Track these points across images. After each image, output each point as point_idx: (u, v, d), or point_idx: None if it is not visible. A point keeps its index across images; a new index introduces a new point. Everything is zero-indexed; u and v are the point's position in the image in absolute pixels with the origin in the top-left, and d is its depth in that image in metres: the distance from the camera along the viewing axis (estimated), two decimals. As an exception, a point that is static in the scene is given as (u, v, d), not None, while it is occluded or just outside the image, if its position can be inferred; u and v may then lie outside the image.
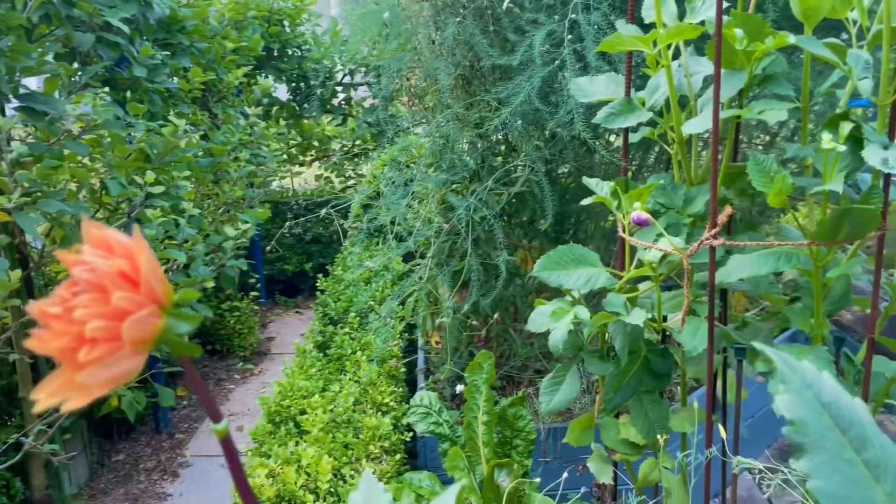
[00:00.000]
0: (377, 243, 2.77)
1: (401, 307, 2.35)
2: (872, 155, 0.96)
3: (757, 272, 1.07)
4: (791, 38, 1.00)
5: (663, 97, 1.22)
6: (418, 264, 2.10)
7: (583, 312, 1.19)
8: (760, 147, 2.24)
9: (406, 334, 2.30)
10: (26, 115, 1.73)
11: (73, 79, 2.01)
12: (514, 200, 1.66)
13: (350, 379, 1.91)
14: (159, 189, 2.06)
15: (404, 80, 1.76)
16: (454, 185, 1.73)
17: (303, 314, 3.78)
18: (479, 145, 1.56)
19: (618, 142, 1.66)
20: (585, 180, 1.25)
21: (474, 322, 2.09)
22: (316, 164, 3.81)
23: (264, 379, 3.07)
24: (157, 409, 2.60)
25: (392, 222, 1.94)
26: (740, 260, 1.10)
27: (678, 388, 2.08)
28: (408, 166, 2.56)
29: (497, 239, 1.68)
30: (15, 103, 1.77)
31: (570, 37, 1.31)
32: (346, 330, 2.23)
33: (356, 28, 2.21)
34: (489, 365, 1.41)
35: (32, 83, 2.37)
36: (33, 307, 0.32)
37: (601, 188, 1.24)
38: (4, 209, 1.63)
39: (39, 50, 1.81)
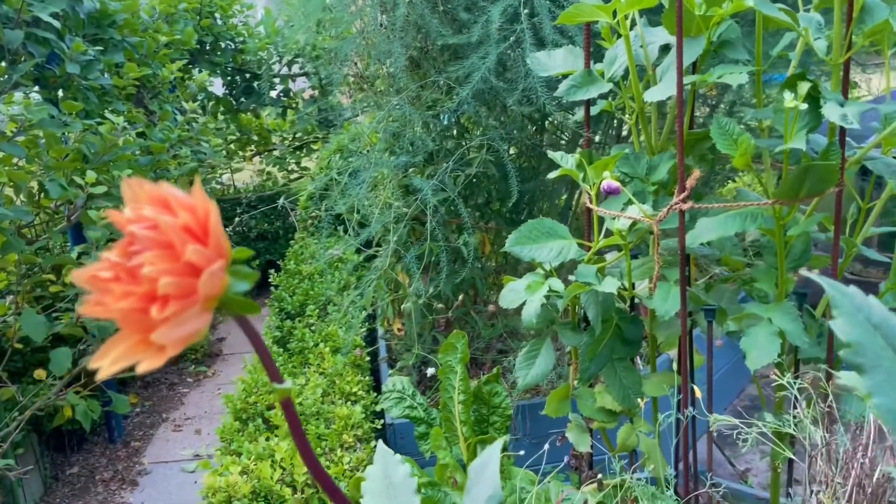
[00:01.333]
0: (331, 234, 2.73)
1: (360, 297, 2.33)
2: (832, 111, 1.00)
3: (725, 233, 1.09)
4: (748, 2, 1.02)
5: (622, 67, 1.24)
6: (377, 252, 2.09)
7: (557, 284, 1.20)
8: (701, 119, 2.30)
9: (366, 323, 2.28)
10: (-45, 117, 1.64)
11: (1, 78, 1.92)
12: (470, 182, 1.66)
13: (315, 371, 1.89)
14: (101, 189, 1.98)
15: (353, 65, 1.74)
16: (411, 169, 1.72)
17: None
18: (433, 127, 1.55)
19: (575, 117, 1.67)
20: (551, 154, 1.26)
21: (438, 306, 2.09)
22: (256, 159, 3.73)
23: (218, 381, 3.01)
24: (110, 417, 2.51)
25: (350, 211, 1.92)
26: (708, 223, 1.12)
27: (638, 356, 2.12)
28: (361, 154, 2.53)
29: (460, 221, 1.68)
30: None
31: (526, 11, 1.32)
32: (306, 323, 2.20)
33: (297, 15, 2.17)
34: (462, 344, 1.41)
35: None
36: (81, 273, 0.30)
37: (566, 161, 1.25)
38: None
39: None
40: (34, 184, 1.98)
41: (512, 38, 1.39)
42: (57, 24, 1.95)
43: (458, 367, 1.41)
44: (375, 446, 1.66)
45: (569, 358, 1.41)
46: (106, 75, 2.34)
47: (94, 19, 2.24)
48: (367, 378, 1.93)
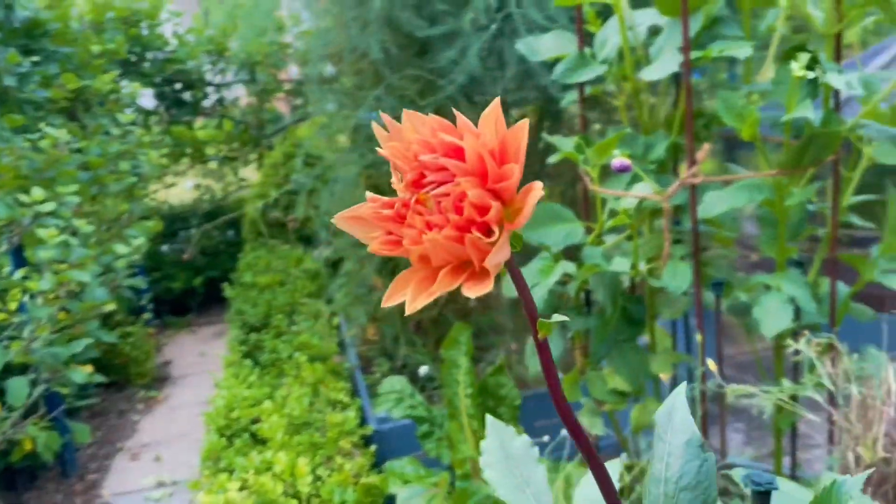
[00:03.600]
0: (298, 240, 2.66)
1: (328, 304, 2.28)
2: (835, 79, 1.03)
3: (736, 204, 1.11)
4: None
5: (614, 49, 1.25)
6: (344, 256, 2.04)
7: (570, 267, 1.19)
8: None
9: (336, 330, 2.23)
10: None
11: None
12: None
13: (295, 381, 1.82)
14: (50, 207, 1.87)
15: (334, 60, 1.69)
16: (385, 167, 1.68)
17: (196, 332, 3.56)
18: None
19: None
20: (549, 137, 1.25)
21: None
22: (191, 172, 3.60)
23: (171, 404, 2.87)
24: (63, 450, 2.36)
25: (319, 215, 1.87)
26: (717, 196, 1.14)
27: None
28: (317, 158, 2.47)
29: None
30: None
31: (515, -3, 1.31)
32: (275, 333, 2.12)
33: (247, 20, 2.10)
34: (466, 337, 1.38)
35: None
36: (346, 214, 0.28)
37: (564, 144, 1.25)
38: None
39: None
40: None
41: (494, 27, 1.38)
42: (-10, 33, 1.83)
43: (462, 360, 1.39)
44: (374, 451, 1.62)
45: (572, 343, 1.41)
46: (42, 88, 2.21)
47: (26, 29, 2.11)
48: (349, 384, 1.88)
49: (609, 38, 1.25)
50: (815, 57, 1.07)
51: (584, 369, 1.34)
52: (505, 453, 0.58)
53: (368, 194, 0.30)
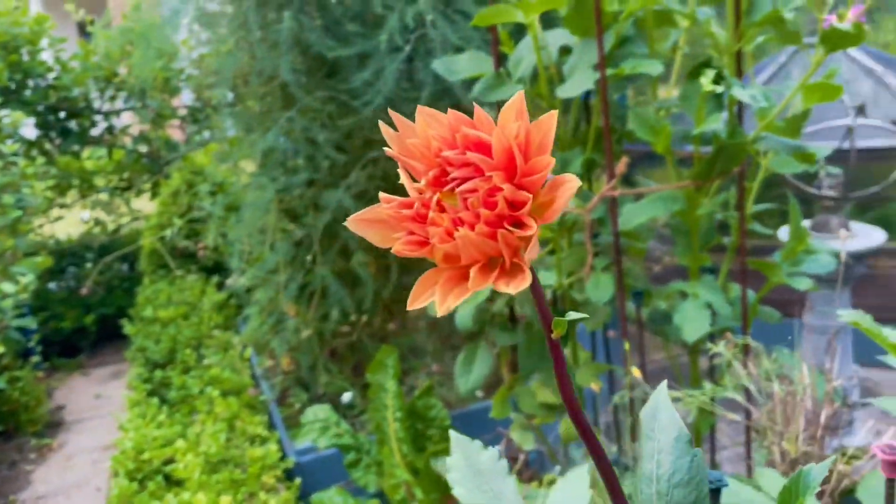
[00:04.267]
0: (188, 274, 2.56)
1: (238, 335, 2.20)
2: (741, 93, 1.09)
3: (654, 215, 1.15)
4: (662, -5, 1.10)
5: (529, 68, 1.27)
6: (254, 286, 1.98)
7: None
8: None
9: (249, 362, 2.15)
10: None
11: None
12: (371, 200, 1.62)
13: (208, 417, 1.74)
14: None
15: (239, 84, 1.64)
16: (297, 191, 1.65)
17: (90, 374, 3.35)
18: (325, 143, 1.50)
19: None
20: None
21: (331, 333, 2.01)
22: (81, 204, 3.40)
23: (67, 452, 2.68)
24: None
25: (227, 244, 1.80)
26: (635, 207, 1.18)
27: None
28: (221, 185, 2.39)
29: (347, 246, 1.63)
30: None
31: (431, 17, 1.32)
32: (182, 369, 2.02)
33: (139, 45, 2.02)
34: (393, 360, 1.36)
35: None
36: (359, 216, 0.26)
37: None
38: None
39: None
40: None
41: (409, 48, 1.39)
42: None
43: (390, 384, 1.36)
44: (298, 484, 1.56)
45: (499, 360, 1.41)
46: None
47: None
48: (266, 418, 1.81)
49: (523, 57, 1.28)
50: (721, 73, 1.13)
51: (513, 385, 1.35)
52: (473, 469, 0.57)
53: (382, 195, 0.29)
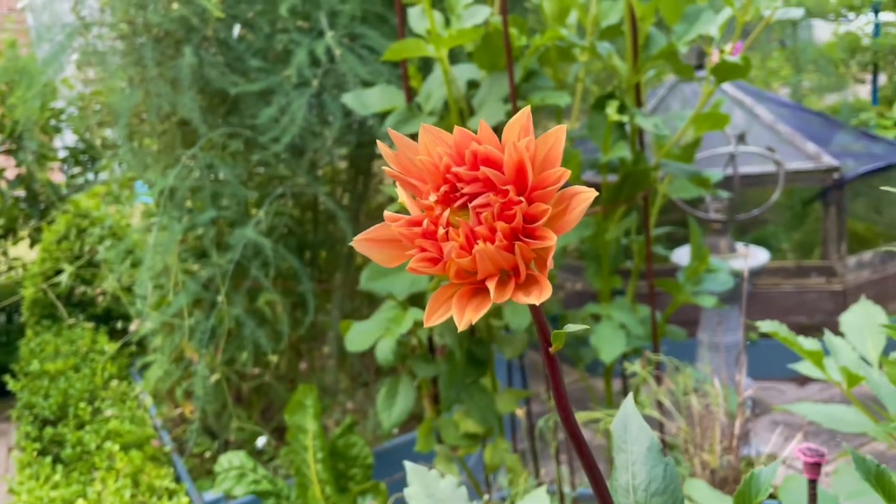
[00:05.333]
0: (75, 322, 2.41)
1: (133, 384, 2.09)
2: (645, 121, 1.15)
3: (568, 241, 1.19)
4: (563, 31, 1.14)
5: (440, 101, 1.29)
6: (156, 331, 1.88)
7: (420, 314, 1.19)
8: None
9: (150, 413, 2.03)
10: None
11: None
12: (283, 236, 1.58)
13: (109, 474, 1.63)
14: None
15: (133, 122, 1.56)
16: (202, 230, 1.59)
17: (-38, 438, 3.08)
18: (233, 179, 1.46)
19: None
20: (386, 188, 1.26)
21: (237, 377, 1.94)
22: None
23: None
24: None
25: (123, 289, 1.72)
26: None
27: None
28: (111, 230, 2.28)
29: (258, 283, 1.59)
30: None
31: (340, 51, 1.32)
32: (76, 424, 1.89)
33: (23, 81, 1.91)
34: (312, 399, 1.33)
35: None
36: (365, 237, 0.26)
37: (401, 194, 1.26)
38: None
39: None
40: None
41: (317, 83, 1.38)
42: None
43: (310, 425, 1.33)
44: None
45: (419, 393, 1.40)
46: None
47: None
48: (172, 469, 1.72)
49: (433, 91, 1.30)
50: (623, 103, 1.18)
51: (435, 417, 1.34)
52: (433, 499, 0.56)
53: (388, 214, 0.29)
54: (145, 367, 2.08)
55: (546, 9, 1.22)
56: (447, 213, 0.28)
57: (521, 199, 0.27)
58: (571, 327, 0.31)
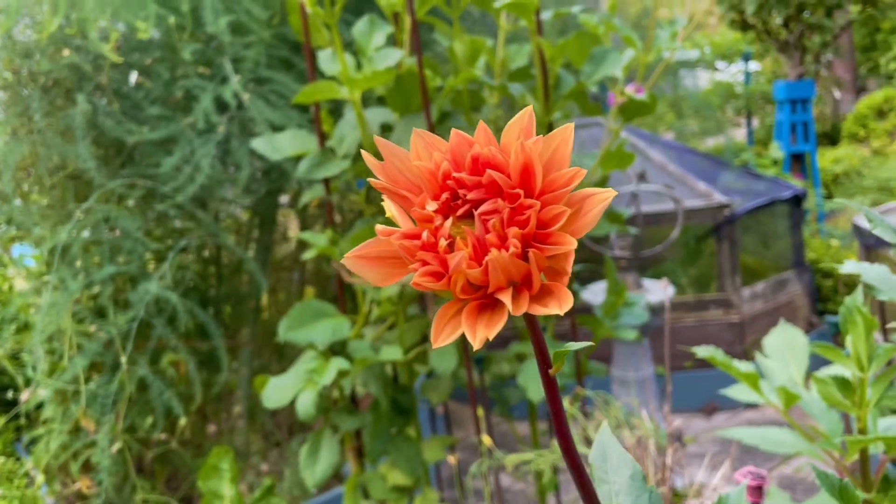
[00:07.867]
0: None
1: (21, 461, 1.91)
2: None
3: (492, 280, 1.18)
4: (478, 72, 1.15)
5: (354, 144, 1.27)
6: (48, 400, 1.74)
7: (344, 363, 1.14)
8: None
9: (40, 491, 1.86)
10: None
11: None
12: (188, 290, 1.49)
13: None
14: None
15: (21, 175, 1.45)
16: (100, 287, 1.48)
17: None
18: (127, 229, 1.37)
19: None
20: (302, 235, 1.22)
21: (137, 447, 1.80)
22: None
23: None
24: None
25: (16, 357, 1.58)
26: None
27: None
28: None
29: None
30: None
31: (247, 96, 1.27)
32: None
33: None
34: (229, 462, 1.25)
35: None
36: (357, 252, 0.23)
37: (318, 240, 1.22)
38: None
39: None
40: None
41: (223, 129, 1.33)
42: None
43: (227, 490, 1.24)
44: None
45: (341, 447, 1.33)
46: None
47: None
48: (68, 552, 1.57)
49: (346, 134, 1.28)
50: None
51: (360, 471, 1.28)
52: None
53: (379, 227, 0.26)
54: (34, 441, 1.91)
55: (457, 51, 1.22)
56: (449, 222, 0.26)
57: (535, 202, 0.25)
58: (574, 345, 0.29)
